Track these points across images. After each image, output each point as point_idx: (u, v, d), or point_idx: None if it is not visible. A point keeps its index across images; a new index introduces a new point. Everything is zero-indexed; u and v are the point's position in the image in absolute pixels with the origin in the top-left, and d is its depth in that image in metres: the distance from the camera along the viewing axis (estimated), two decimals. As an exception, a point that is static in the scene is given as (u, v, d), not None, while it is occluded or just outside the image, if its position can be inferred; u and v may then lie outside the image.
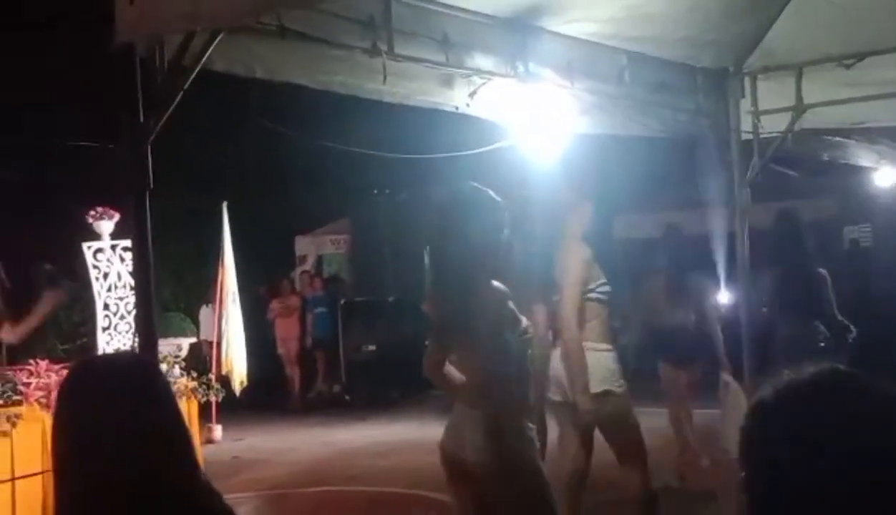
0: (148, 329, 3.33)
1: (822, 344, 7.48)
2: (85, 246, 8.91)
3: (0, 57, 12.99)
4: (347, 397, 15.25)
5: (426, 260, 5.97)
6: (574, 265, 5.30)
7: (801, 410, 1.44)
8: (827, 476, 1.39)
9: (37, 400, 7.59)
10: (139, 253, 3.23)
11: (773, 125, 7.09)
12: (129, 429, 1.91)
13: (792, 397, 1.46)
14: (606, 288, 5.37)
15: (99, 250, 8.82)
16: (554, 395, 5.23)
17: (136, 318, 3.32)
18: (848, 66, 6.49)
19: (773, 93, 6.90)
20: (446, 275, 3.94)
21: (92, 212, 8.89)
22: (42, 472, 7.57)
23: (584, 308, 5.25)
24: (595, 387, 5.13)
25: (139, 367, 2.12)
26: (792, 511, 1.41)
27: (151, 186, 3.41)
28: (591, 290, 5.29)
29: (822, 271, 7.95)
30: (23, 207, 13.63)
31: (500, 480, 3.84)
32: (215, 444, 11.28)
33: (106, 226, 8.84)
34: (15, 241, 10.60)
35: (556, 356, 5.24)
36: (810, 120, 7.23)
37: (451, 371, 3.96)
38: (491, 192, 4.04)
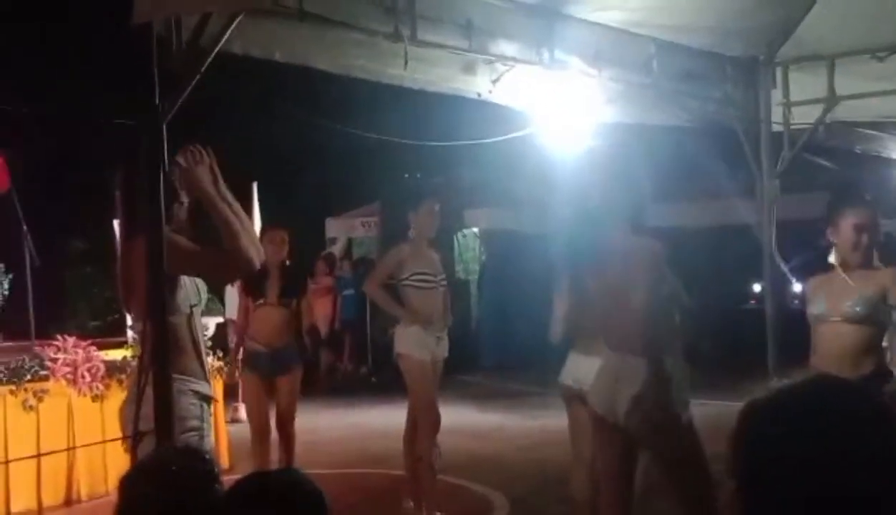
0: (160, 308, 3.33)
1: None
2: (116, 222, 8.94)
3: (31, 27, 12.99)
4: (373, 379, 15.27)
5: None
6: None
7: (791, 416, 1.42)
8: (817, 482, 1.37)
9: (63, 376, 7.57)
10: (152, 233, 3.23)
11: (804, 116, 6.99)
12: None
13: (783, 403, 1.44)
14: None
15: (128, 228, 8.85)
16: None
17: (149, 299, 3.31)
18: (881, 59, 6.38)
19: (805, 84, 6.79)
20: None
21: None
22: (67, 449, 7.53)
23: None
24: None
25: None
26: None
27: (167, 167, 3.39)
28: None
29: None
30: (55, 182, 13.66)
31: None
32: (241, 424, 11.31)
33: (135, 204, 8.85)
34: (46, 217, 10.67)
35: None
36: (842, 112, 7.12)
37: None
38: None
